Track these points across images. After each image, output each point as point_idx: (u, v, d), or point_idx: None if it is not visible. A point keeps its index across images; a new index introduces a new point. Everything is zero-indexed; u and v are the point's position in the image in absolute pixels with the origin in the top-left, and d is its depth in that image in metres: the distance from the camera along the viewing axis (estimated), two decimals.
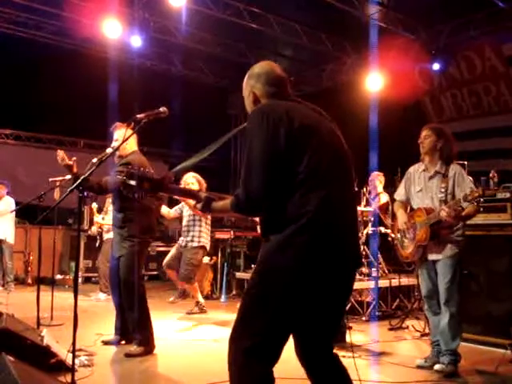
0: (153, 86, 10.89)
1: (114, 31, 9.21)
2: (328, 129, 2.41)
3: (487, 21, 8.74)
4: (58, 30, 10.25)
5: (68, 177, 6.15)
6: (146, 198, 2.53)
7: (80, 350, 4.48)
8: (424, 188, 4.52)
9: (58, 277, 10.10)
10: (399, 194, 4.78)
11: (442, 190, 4.36)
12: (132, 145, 5.07)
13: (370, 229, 7.17)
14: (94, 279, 10.31)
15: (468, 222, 4.61)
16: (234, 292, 8.96)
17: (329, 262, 2.20)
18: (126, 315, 4.97)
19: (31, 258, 10.29)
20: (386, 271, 7.38)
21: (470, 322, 5.19)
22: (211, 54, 11.25)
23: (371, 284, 6.85)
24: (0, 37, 9.93)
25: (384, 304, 7.17)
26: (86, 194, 4.55)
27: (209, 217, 7.31)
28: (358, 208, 6.96)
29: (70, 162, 4.64)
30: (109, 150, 4.91)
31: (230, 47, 11.23)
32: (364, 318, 6.71)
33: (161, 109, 3.61)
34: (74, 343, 3.05)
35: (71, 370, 3.21)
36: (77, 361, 3.87)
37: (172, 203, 8.23)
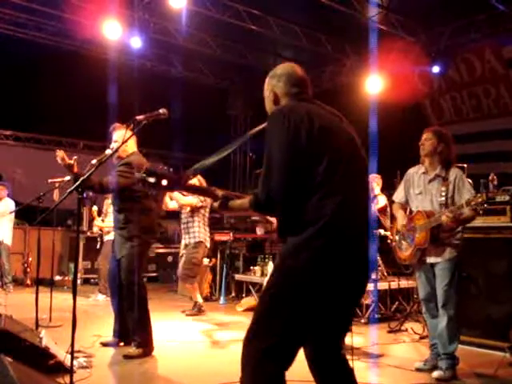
0: (153, 88, 10.89)
1: (114, 32, 9.21)
2: (346, 131, 2.43)
3: (487, 23, 8.75)
4: (58, 31, 10.26)
5: (67, 178, 6.14)
6: (163, 194, 2.55)
7: (78, 351, 4.47)
8: (424, 191, 4.52)
9: (57, 278, 10.09)
10: (398, 196, 4.77)
11: (443, 193, 4.35)
12: (131, 146, 5.07)
13: None
14: (92, 280, 10.30)
15: (467, 225, 4.61)
16: (233, 294, 8.95)
17: (344, 265, 2.22)
18: (125, 316, 4.95)
19: (30, 259, 10.27)
20: (386, 274, 7.37)
21: (468, 325, 5.19)
22: (211, 55, 11.26)
23: (370, 286, 6.84)
24: (0, 38, 9.93)
25: (383, 306, 7.16)
26: (85, 195, 4.55)
27: (206, 214, 7.33)
28: None
29: (71, 162, 4.62)
30: (108, 152, 4.91)
31: (229, 49, 11.24)
32: (363, 321, 6.70)
33: (160, 110, 3.61)
34: (72, 345, 3.04)
35: (70, 371, 3.20)
36: (75, 362, 3.87)
37: None
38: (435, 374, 4.29)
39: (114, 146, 5.02)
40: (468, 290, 5.27)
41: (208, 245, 7.41)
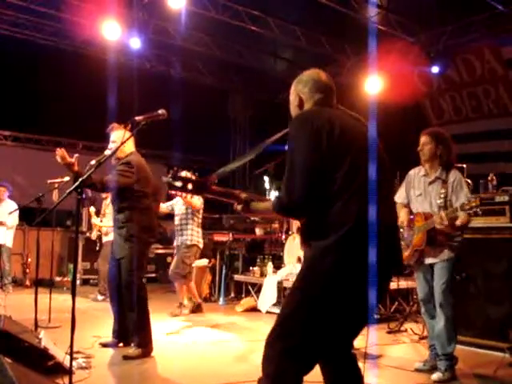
0: (152, 88, 10.87)
1: (113, 33, 9.20)
2: (366, 137, 2.48)
3: (487, 24, 8.75)
4: (57, 31, 10.25)
5: (66, 178, 6.14)
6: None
7: (78, 352, 4.47)
8: (424, 193, 4.52)
9: (57, 279, 10.09)
10: (400, 197, 4.77)
11: (442, 195, 4.35)
12: (130, 146, 5.07)
13: None
14: (92, 281, 10.30)
15: None
16: (232, 295, 8.95)
17: (368, 268, 2.23)
18: (125, 317, 4.95)
19: (29, 259, 10.27)
20: None
21: (468, 325, 5.19)
22: (210, 55, 11.25)
23: None
24: None
25: (383, 307, 7.16)
26: (84, 196, 4.54)
27: (200, 216, 7.35)
28: None
29: (72, 160, 4.60)
30: (107, 152, 4.91)
31: (229, 49, 11.23)
32: None
33: (159, 111, 3.60)
34: (71, 345, 3.04)
35: (69, 372, 3.19)
36: (74, 363, 3.87)
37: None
38: (434, 376, 4.29)
39: (112, 146, 5.01)
40: (467, 290, 5.27)
41: (201, 246, 7.43)
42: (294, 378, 2.25)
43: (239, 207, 2.62)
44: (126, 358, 4.69)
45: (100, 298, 8.33)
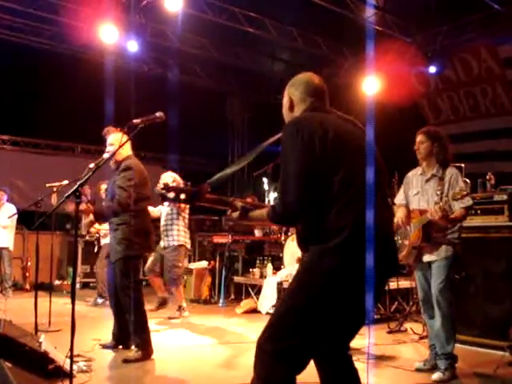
0: (150, 91, 10.87)
1: (111, 36, 9.20)
2: (362, 141, 2.47)
3: (483, 23, 8.76)
4: (55, 35, 10.25)
5: (65, 182, 6.15)
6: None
7: (78, 355, 4.48)
8: (421, 191, 4.53)
9: (56, 282, 10.08)
10: (399, 198, 4.79)
11: (438, 192, 4.37)
12: (127, 149, 5.08)
13: None
14: (92, 284, 10.29)
15: (465, 225, 4.62)
16: (232, 296, 8.95)
17: (365, 272, 2.23)
18: (124, 320, 4.96)
19: (29, 263, 10.27)
20: None
21: (467, 325, 5.20)
22: (208, 58, 11.26)
23: None
24: None
25: (382, 307, 7.17)
26: (83, 199, 4.55)
27: (186, 216, 7.35)
28: None
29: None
30: (105, 156, 4.92)
31: (226, 51, 11.24)
32: None
33: (157, 114, 3.62)
34: (71, 349, 3.04)
35: (69, 375, 3.19)
36: (75, 366, 3.86)
37: None
38: (435, 376, 4.29)
39: (110, 149, 5.02)
40: (466, 289, 5.28)
41: (189, 247, 7.43)
42: (285, 379, 2.24)
43: (234, 215, 2.62)
44: (126, 361, 4.69)
45: (100, 300, 8.31)
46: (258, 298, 7.99)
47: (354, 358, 2.53)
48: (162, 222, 7.33)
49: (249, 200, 6.71)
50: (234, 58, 11.35)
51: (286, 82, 2.71)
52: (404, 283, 7.12)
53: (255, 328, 6.58)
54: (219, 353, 5.25)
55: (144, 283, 9.13)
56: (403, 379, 4.40)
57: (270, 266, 8.18)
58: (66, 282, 10.19)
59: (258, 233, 9.74)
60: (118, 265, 4.89)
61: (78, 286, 9.90)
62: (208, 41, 10.77)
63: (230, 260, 9.15)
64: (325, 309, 2.24)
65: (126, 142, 4.16)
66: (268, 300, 7.65)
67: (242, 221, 2.66)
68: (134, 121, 3.52)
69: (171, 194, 2.48)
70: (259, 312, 7.72)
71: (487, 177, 5.55)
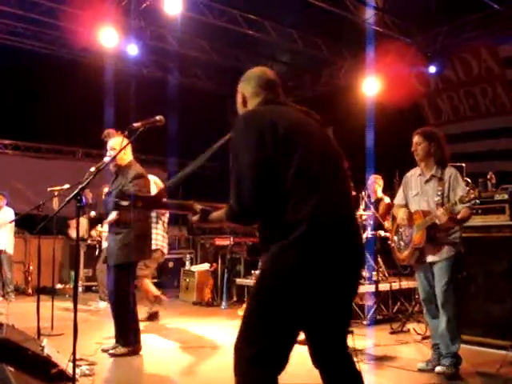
0: (150, 94, 10.90)
1: (111, 40, 9.23)
2: (317, 130, 2.42)
3: (483, 23, 8.77)
4: (55, 39, 10.30)
5: (66, 186, 6.16)
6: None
7: (81, 359, 4.48)
8: (420, 192, 4.53)
9: (58, 286, 10.08)
10: (398, 199, 4.80)
11: (438, 193, 4.37)
12: (129, 154, 5.10)
13: (369, 233, 7.18)
14: (94, 288, 10.28)
15: (466, 224, 4.61)
16: (234, 298, 8.95)
17: (329, 264, 2.19)
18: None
19: (31, 267, 10.26)
20: (387, 275, 7.37)
21: (469, 324, 5.19)
22: (208, 60, 11.28)
23: (372, 288, 6.84)
24: None
25: (385, 307, 7.16)
26: (84, 202, 4.55)
27: (166, 219, 7.31)
28: (358, 212, 6.97)
29: None
30: (106, 159, 4.93)
31: (226, 54, 11.26)
32: (365, 322, 6.70)
33: (157, 117, 3.62)
34: (74, 353, 3.04)
35: (72, 379, 3.20)
36: (78, 370, 3.88)
37: None
38: (438, 368, 4.32)
39: (112, 153, 5.03)
40: (468, 289, 5.28)
41: (165, 251, 7.34)
42: (264, 382, 2.20)
43: (195, 218, 2.56)
44: (112, 355, 4.85)
45: (103, 305, 8.29)
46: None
47: (356, 360, 2.52)
48: None
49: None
50: (233, 60, 11.36)
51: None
52: (406, 284, 7.10)
53: None
54: (221, 355, 5.24)
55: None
56: (406, 380, 4.40)
57: None
58: (68, 286, 10.18)
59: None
60: (116, 270, 4.93)
61: (80, 289, 9.89)
62: (208, 43, 10.79)
63: (232, 262, 9.15)
64: (288, 306, 2.18)
65: (126, 145, 4.16)
66: None
67: (203, 224, 2.59)
68: (135, 124, 3.52)
69: (125, 202, 2.46)
70: None
71: (488, 176, 5.55)
